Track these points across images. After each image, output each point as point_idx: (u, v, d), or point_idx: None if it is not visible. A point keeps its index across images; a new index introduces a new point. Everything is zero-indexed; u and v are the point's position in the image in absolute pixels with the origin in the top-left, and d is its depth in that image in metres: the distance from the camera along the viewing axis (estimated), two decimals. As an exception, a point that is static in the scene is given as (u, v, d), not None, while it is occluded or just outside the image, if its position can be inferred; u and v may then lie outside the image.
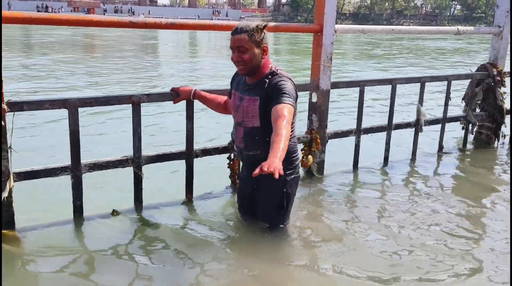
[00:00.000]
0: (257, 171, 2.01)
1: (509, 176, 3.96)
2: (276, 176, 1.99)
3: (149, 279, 2.30)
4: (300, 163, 2.71)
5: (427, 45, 26.79)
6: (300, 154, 2.70)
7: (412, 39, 32.42)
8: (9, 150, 2.53)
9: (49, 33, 26.23)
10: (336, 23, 3.51)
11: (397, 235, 2.82)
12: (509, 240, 2.77)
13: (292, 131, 2.57)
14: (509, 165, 4.26)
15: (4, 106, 2.46)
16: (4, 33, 2.47)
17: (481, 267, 2.51)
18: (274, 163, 2.03)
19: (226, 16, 65.34)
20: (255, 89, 2.51)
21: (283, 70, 2.56)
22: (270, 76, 2.49)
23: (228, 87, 2.81)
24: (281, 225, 2.70)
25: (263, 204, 2.68)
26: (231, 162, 3.32)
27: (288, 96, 2.38)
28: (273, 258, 2.50)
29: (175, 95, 2.94)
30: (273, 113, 2.34)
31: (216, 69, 13.00)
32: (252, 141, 2.57)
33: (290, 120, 2.32)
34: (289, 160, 2.58)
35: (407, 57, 19.34)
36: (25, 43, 20.48)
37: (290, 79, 2.50)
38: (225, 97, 2.91)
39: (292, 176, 2.63)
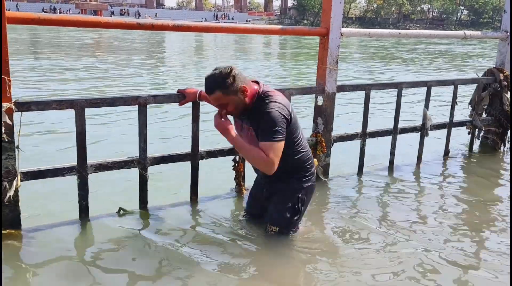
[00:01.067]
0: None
1: (509, 176, 3.94)
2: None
3: (153, 280, 2.31)
4: (315, 172, 2.71)
5: (451, 50, 26.72)
6: (314, 164, 2.70)
7: (435, 43, 32.39)
8: (16, 150, 2.55)
9: (74, 35, 26.39)
10: (342, 27, 3.51)
11: (402, 239, 2.81)
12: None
13: (299, 144, 2.56)
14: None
15: (12, 106, 2.48)
16: (33, 34, 2.49)
17: (488, 272, 2.50)
18: (220, 124, 2.40)
19: (232, 19, 65.47)
20: (249, 119, 2.48)
21: (271, 89, 2.47)
22: (258, 103, 2.41)
23: None
24: (291, 231, 2.68)
25: (276, 208, 2.66)
26: (236, 164, 3.32)
27: (270, 132, 2.32)
28: (277, 260, 2.50)
29: (181, 96, 2.95)
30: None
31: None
32: None
33: (272, 158, 2.32)
34: (304, 169, 2.61)
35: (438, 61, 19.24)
36: (54, 45, 20.62)
37: (277, 102, 2.39)
38: None
39: (309, 183, 2.64)
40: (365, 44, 30.89)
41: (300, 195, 2.61)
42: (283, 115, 2.37)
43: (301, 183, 2.61)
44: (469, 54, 24.36)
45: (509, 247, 2.76)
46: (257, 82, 2.50)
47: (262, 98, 2.42)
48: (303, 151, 2.60)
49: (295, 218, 2.65)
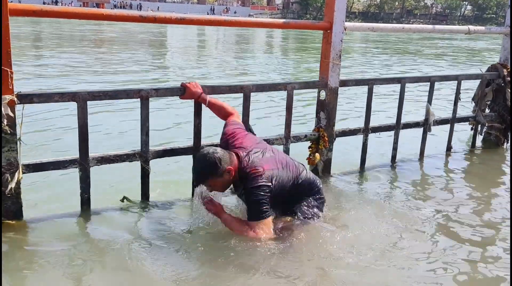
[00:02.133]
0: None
1: (509, 176, 3.94)
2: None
3: (154, 273, 2.31)
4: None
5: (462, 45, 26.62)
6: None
7: (462, 39, 32.38)
8: (18, 142, 2.55)
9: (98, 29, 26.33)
10: (345, 22, 3.49)
11: (404, 235, 2.81)
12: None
13: (297, 182, 2.73)
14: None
15: (14, 98, 2.48)
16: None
17: (492, 270, 2.50)
18: (216, 210, 2.61)
19: (235, 13, 65.26)
20: (238, 190, 2.75)
21: (249, 163, 2.58)
22: (242, 178, 2.58)
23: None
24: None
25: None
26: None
27: (258, 211, 2.52)
28: (277, 253, 2.49)
29: (183, 90, 2.94)
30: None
31: (224, 65, 13.01)
32: None
33: (262, 234, 2.52)
34: (315, 190, 2.85)
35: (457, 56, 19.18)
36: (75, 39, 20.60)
37: (258, 177, 2.51)
38: (232, 111, 2.99)
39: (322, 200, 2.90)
40: (388, 39, 30.76)
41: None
42: (266, 192, 2.52)
43: (317, 201, 2.83)
44: (497, 50, 24.27)
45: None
46: (237, 154, 2.62)
47: (245, 175, 2.56)
48: (304, 178, 2.77)
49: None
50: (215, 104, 2.97)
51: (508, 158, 4.59)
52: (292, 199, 2.74)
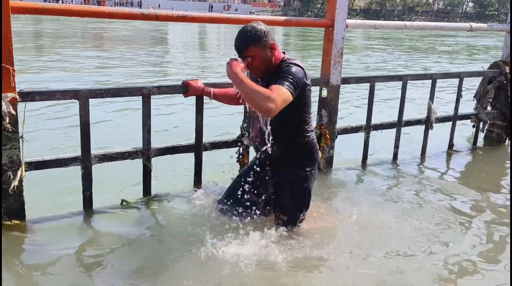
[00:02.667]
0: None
1: (509, 176, 3.93)
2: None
3: (158, 272, 2.31)
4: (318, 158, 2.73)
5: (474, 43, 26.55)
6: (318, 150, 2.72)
7: (473, 36, 32.32)
8: (20, 140, 2.55)
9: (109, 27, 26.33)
10: (347, 19, 3.48)
11: (406, 233, 2.81)
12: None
13: (309, 125, 2.59)
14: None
15: (16, 95, 2.48)
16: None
17: (493, 267, 2.50)
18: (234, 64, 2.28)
19: (236, 10, 65.15)
20: (269, 83, 2.44)
21: (295, 59, 2.51)
22: (280, 67, 2.44)
23: None
24: (299, 218, 2.71)
25: (283, 199, 2.69)
26: (240, 156, 3.32)
27: (286, 79, 2.30)
28: (280, 252, 2.49)
29: (185, 87, 2.93)
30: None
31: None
32: (268, 137, 2.54)
33: (276, 97, 2.19)
34: (310, 156, 2.62)
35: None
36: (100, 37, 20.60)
37: (297, 65, 2.43)
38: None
39: (313, 171, 2.66)
40: (407, 36, 30.70)
41: (306, 185, 2.63)
42: (301, 76, 2.38)
43: (307, 172, 2.62)
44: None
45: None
46: (283, 52, 2.55)
47: (285, 63, 2.44)
48: (311, 136, 2.62)
49: (304, 207, 2.70)
50: (220, 93, 2.92)
51: (510, 155, 4.59)
52: (293, 147, 2.58)
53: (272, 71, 2.47)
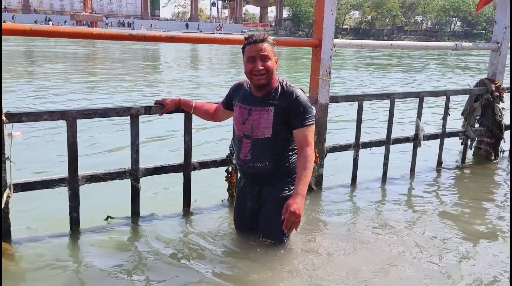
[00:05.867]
0: (285, 215, 2.38)
1: (509, 187, 3.95)
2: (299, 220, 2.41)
3: (144, 292, 2.29)
4: None
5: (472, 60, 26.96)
6: None
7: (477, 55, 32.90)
8: (7, 161, 2.53)
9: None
10: (337, 38, 3.54)
11: (395, 250, 2.80)
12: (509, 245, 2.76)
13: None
14: (508, 181, 4.26)
15: (3, 117, 2.47)
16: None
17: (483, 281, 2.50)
18: (301, 205, 2.40)
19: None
20: (268, 100, 2.56)
21: (284, 80, 2.63)
22: (281, 87, 2.56)
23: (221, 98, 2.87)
24: (284, 240, 2.70)
25: (268, 221, 2.67)
26: (229, 175, 3.31)
27: (310, 115, 2.53)
28: (269, 271, 2.48)
29: (161, 106, 2.93)
30: (299, 137, 2.50)
31: (214, 82, 13.06)
32: (261, 153, 2.58)
33: (312, 142, 2.53)
34: (294, 174, 2.61)
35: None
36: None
37: (301, 90, 2.59)
38: (213, 105, 2.96)
39: None
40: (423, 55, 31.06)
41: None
42: (310, 104, 2.59)
43: (290, 191, 2.61)
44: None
45: (507, 255, 2.76)
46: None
47: (283, 85, 2.58)
48: (295, 154, 2.64)
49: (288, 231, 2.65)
50: (198, 107, 2.95)
51: (498, 172, 4.62)
52: (279, 165, 2.62)
53: (272, 85, 2.55)
